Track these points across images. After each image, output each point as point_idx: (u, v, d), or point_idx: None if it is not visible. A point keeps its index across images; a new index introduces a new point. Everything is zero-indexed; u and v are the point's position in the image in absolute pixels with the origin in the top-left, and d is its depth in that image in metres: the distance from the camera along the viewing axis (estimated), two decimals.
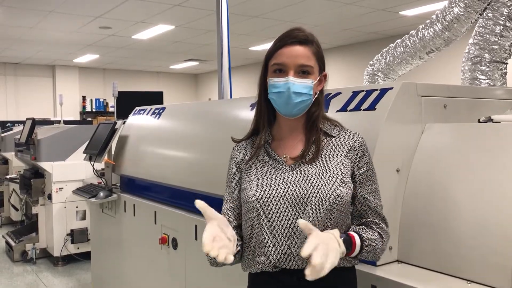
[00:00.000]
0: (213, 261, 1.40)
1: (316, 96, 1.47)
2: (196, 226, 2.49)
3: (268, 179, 1.44)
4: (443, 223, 1.56)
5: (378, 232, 1.44)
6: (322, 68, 1.48)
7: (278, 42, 1.45)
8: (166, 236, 2.74)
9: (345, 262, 1.42)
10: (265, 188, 1.42)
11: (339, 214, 1.40)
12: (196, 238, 2.49)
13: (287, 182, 1.41)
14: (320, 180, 1.39)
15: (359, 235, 1.39)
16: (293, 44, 1.42)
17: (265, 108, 1.50)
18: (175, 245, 2.67)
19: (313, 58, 1.44)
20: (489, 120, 1.81)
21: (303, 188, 1.39)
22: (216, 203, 2.39)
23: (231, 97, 3.46)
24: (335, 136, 1.48)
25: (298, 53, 1.41)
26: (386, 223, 1.48)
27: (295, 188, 1.39)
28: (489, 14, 2.62)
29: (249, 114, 2.27)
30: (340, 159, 1.43)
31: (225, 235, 1.30)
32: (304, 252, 1.18)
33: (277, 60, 1.43)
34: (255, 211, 1.41)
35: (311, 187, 1.38)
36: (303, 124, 1.49)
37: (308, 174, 1.41)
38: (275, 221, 1.40)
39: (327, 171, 1.41)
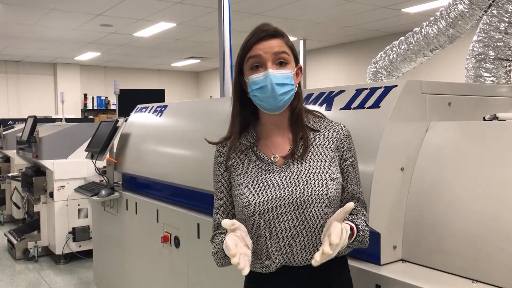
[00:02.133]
0: (223, 262, 1.46)
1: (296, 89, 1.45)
2: (198, 224, 2.48)
3: (262, 184, 1.40)
4: (447, 222, 1.55)
5: (364, 221, 1.45)
6: (297, 59, 1.46)
7: (249, 39, 1.42)
8: (168, 235, 2.73)
9: (343, 251, 1.42)
10: (260, 195, 1.38)
11: (334, 211, 1.38)
12: (198, 237, 2.48)
13: (282, 186, 1.38)
14: (313, 180, 1.37)
15: (356, 226, 1.39)
16: (265, 39, 1.40)
17: (240, 111, 1.47)
18: (177, 244, 2.67)
19: (286, 48, 1.41)
20: (495, 118, 1.80)
21: (299, 191, 1.37)
22: None
23: None
24: (320, 131, 1.46)
25: (272, 44, 1.39)
26: (366, 209, 1.50)
27: (291, 192, 1.37)
28: (494, 11, 2.60)
29: None
30: (328, 155, 1.43)
31: (245, 242, 1.29)
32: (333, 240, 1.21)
33: (251, 54, 1.40)
34: (253, 219, 1.39)
35: (307, 189, 1.37)
36: (288, 120, 1.46)
37: (301, 175, 1.39)
38: (275, 227, 1.38)
39: (319, 170, 1.39)
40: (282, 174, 1.40)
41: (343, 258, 1.49)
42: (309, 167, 1.40)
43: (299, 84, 1.47)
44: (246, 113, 1.48)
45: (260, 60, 1.39)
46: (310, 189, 1.37)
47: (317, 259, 1.20)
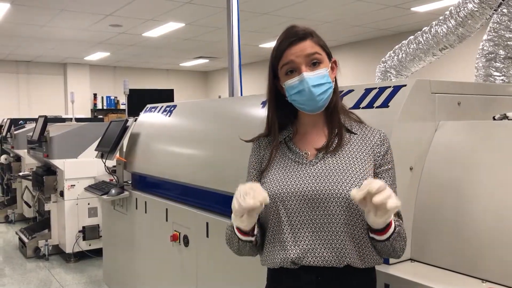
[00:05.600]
0: (239, 250, 1.45)
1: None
2: (207, 223, 2.49)
3: (288, 174, 1.42)
4: (456, 222, 1.55)
5: (400, 227, 1.39)
6: (330, 55, 1.47)
7: (280, 45, 1.44)
8: (178, 233, 2.75)
9: (371, 262, 1.39)
10: (284, 184, 1.40)
11: (360, 213, 1.36)
12: (207, 236, 2.50)
13: (306, 178, 1.39)
14: (339, 177, 1.36)
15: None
16: (295, 43, 1.42)
17: (276, 114, 1.50)
18: (186, 243, 2.68)
19: (318, 47, 1.43)
20: (505, 117, 1.79)
21: (322, 185, 1.37)
22: (227, 200, 2.39)
23: (241, 94, 3.46)
24: (356, 133, 1.46)
25: (302, 47, 1.41)
26: (402, 221, 1.44)
27: (314, 185, 1.37)
28: (504, 10, 2.58)
29: (260, 112, 2.26)
30: (361, 157, 1.41)
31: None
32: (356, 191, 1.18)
33: (284, 61, 1.42)
34: (275, 205, 1.40)
35: (330, 184, 1.36)
36: (324, 115, 1.48)
37: (327, 171, 1.38)
38: (294, 217, 1.39)
39: (348, 168, 1.38)
40: (311, 167, 1.41)
41: (369, 272, 1.44)
42: (339, 163, 1.39)
43: (335, 78, 1.49)
44: (283, 114, 1.50)
45: (293, 65, 1.41)
46: (336, 184, 1.36)
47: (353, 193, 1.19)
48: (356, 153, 1.42)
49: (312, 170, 1.40)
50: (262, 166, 1.51)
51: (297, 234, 1.38)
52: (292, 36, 1.42)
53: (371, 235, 1.35)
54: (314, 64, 1.41)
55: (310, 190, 1.37)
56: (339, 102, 1.50)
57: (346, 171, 1.38)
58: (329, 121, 1.47)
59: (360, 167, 1.39)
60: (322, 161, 1.41)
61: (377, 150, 1.43)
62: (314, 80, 1.39)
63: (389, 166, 1.44)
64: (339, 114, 1.47)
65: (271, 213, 1.42)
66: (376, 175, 1.42)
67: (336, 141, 1.43)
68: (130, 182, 3.60)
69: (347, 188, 1.35)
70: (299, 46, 1.41)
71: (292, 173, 1.42)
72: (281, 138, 1.50)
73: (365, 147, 1.43)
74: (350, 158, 1.40)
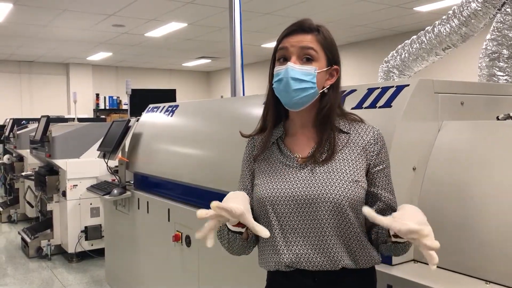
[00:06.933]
0: (229, 244, 1.42)
1: (324, 90, 1.40)
2: None
3: (278, 177, 1.39)
4: (460, 222, 1.54)
5: None
6: (331, 60, 1.41)
7: (283, 31, 1.42)
8: (180, 234, 2.74)
9: (366, 263, 1.38)
10: (274, 187, 1.38)
11: (355, 215, 1.35)
12: None
13: (297, 182, 1.36)
14: (330, 180, 1.34)
15: None
16: (297, 32, 1.39)
17: (273, 104, 1.45)
18: (188, 243, 2.68)
19: (317, 45, 1.38)
20: (508, 117, 1.78)
21: (312, 189, 1.34)
22: None
23: (243, 94, 3.46)
24: (349, 133, 1.42)
25: (301, 39, 1.37)
26: None
27: (304, 189, 1.35)
28: (508, 9, 2.57)
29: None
30: (353, 157, 1.38)
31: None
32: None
33: (280, 46, 1.40)
34: (265, 208, 1.39)
35: (320, 188, 1.33)
36: (313, 119, 1.42)
37: (318, 174, 1.36)
38: (284, 220, 1.36)
39: (339, 171, 1.35)
40: (301, 170, 1.38)
41: (368, 273, 1.42)
42: (329, 166, 1.36)
43: (333, 86, 1.42)
44: (279, 106, 1.44)
45: (286, 53, 1.38)
46: (325, 187, 1.33)
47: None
48: (348, 154, 1.38)
49: (302, 174, 1.37)
50: (255, 164, 1.49)
51: (289, 238, 1.36)
52: (297, 26, 1.40)
53: (394, 239, 1.27)
54: (308, 60, 1.37)
55: (299, 194, 1.35)
56: (336, 110, 1.42)
57: (335, 174, 1.34)
58: (318, 128, 1.41)
59: (351, 168, 1.36)
60: (312, 165, 1.38)
61: (370, 149, 1.40)
62: (296, 73, 1.34)
63: (383, 166, 1.41)
64: (332, 122, 1.40)
65: (261, 216, 1.40)
66: (370, 175, 1.39)
67: (327, 151, 1.38)
68: (132, 182, 3.60)
69: (335, 191, 1.32)
70: (298, 37, 1.38)
71: (282, 176, 1.39)
72: (273, 139, 1.47)
73: (357, 147, 1.39)
74: (342, 160, 1.37)
